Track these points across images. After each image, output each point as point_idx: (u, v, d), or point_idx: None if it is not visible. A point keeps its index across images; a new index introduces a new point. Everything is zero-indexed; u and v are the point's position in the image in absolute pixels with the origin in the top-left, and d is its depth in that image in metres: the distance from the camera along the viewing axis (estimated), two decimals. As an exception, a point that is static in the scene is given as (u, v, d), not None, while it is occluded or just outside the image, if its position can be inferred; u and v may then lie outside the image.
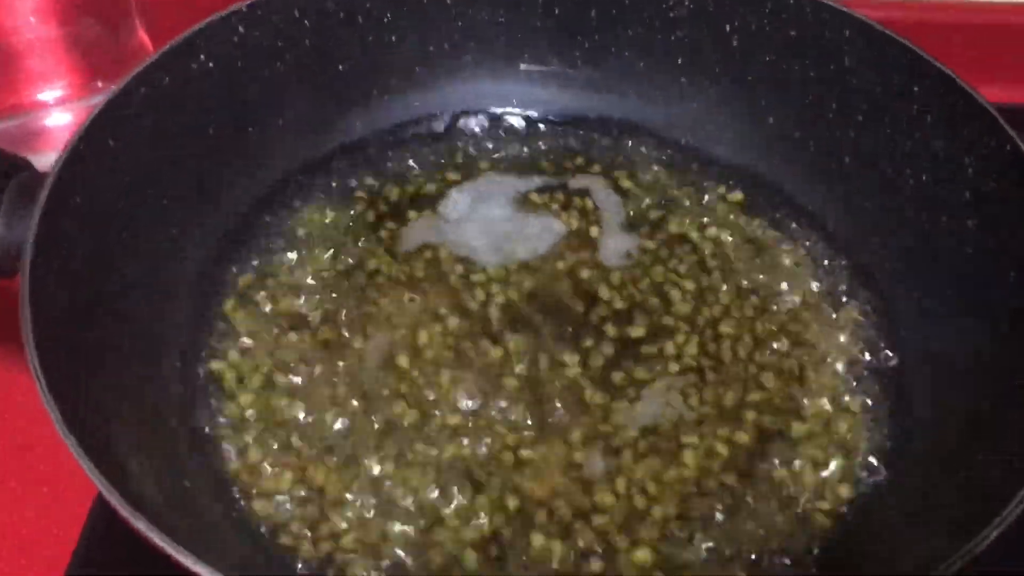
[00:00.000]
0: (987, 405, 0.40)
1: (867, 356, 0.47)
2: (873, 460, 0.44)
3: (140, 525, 0.31)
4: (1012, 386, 0.40)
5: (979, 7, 0.69)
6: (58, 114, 0.65)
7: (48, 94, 0.64)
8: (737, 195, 0.53)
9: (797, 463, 0.43)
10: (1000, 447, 0.37)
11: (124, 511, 0.31)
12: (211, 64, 0.49)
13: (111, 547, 0.45)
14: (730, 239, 0.51)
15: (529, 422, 0.44)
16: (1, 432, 0.50)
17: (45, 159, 0.44)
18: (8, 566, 0.46)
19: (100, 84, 0.66)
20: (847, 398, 0.45)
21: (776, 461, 0.43)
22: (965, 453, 0.40)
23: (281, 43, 0.51)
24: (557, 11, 0.56)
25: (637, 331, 0.48)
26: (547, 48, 0.57)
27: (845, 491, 0.42)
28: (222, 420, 0.44)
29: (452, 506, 0.41)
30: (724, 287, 0.49)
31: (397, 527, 0.41)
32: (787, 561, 0.40)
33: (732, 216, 0.52)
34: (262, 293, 0.48)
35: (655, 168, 0.55)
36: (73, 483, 0.47)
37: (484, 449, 0.43)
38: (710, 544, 0.41)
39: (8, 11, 0.60)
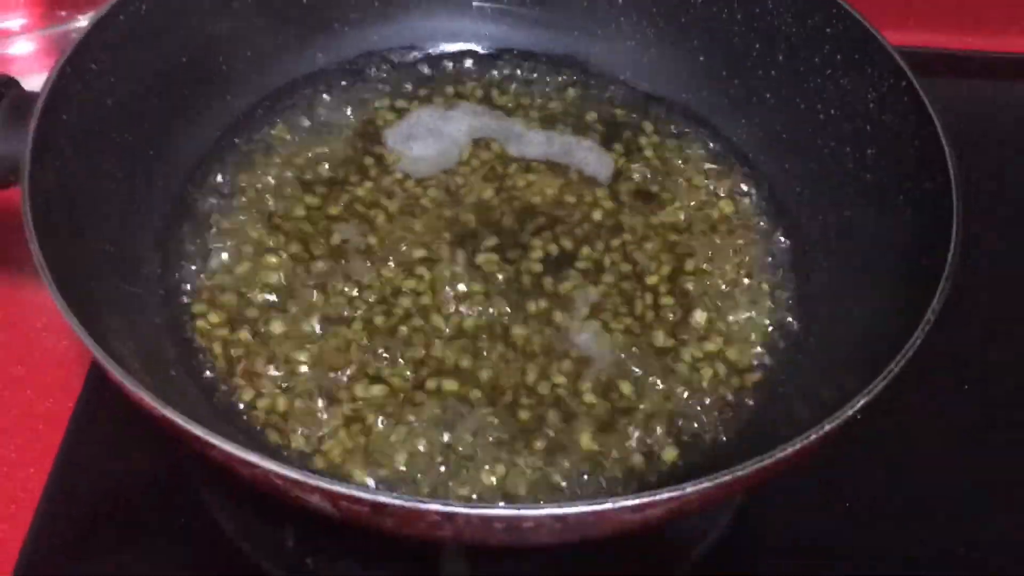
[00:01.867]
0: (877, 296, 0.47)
1: (774, 270, 0.53)
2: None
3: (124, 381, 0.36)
4: (896, 280, 0.46)
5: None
6: (21, 42, 0.69)
7: (11, 22, 0.68)
8: (668, 127, 0.59)
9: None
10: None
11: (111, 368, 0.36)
12: (183, -5, 0.52)
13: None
14: (658, 164, 0.57)
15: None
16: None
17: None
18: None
19: (63, 14, 0.69)
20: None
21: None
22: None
23: (248, -24, 0.55)
24: (508, -48, 0.60)
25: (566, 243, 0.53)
26: (499, -14, 0.61)
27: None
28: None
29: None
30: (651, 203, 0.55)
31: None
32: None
33: (661, 144, 0.58)
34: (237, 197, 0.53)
35: (596, 100, 0.60)
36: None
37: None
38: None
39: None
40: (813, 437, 0.36)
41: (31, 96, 0.45)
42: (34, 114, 0.43)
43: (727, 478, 0.34)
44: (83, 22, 0.70)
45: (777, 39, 0.55)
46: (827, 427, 0.36)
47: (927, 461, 0.53)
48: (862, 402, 0.36)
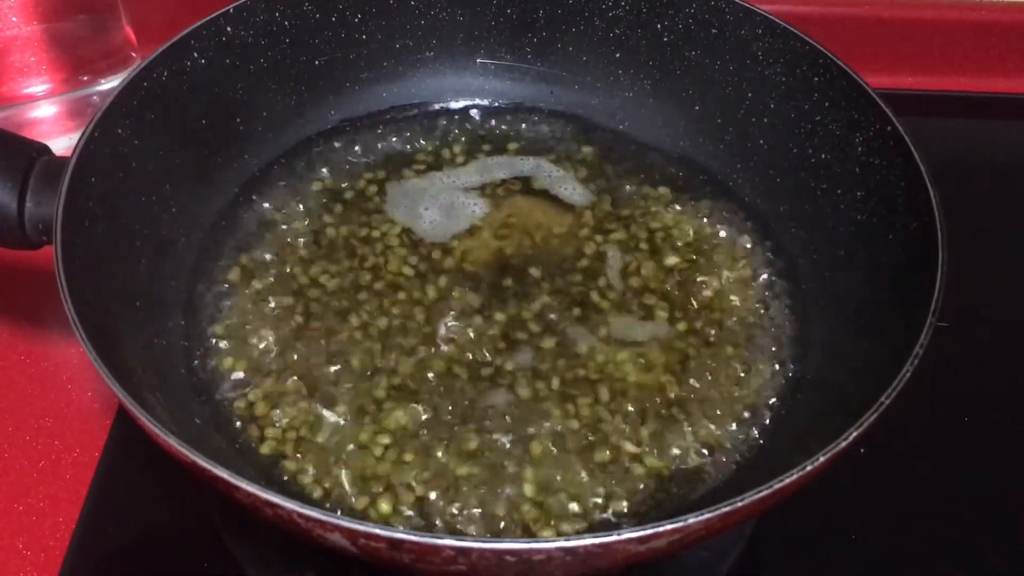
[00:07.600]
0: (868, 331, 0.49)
1: (771, 308, 0.54)
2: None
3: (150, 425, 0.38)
4: (886, 316, 0.48)
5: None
6: (45, 106, 0.72)
7: (35, 88, 0.71)
8: (667, 173, 0.61)
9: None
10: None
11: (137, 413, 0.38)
12: (203, 61, 0.55)
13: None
14: (660, 210, 0.59)
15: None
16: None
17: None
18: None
19: (85, 78, 0.72)
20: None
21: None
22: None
23: (264, 41, 0.58)
24: (509, 11, 0.63)
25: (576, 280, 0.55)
26: (501, 44, 0.64)
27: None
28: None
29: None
30: (651, 250, 0.57)
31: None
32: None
33: (661, 190, 0.60)
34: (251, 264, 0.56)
35: (595, 150, 0.62)
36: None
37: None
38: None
39: (-8, 12, 0.66)
40: (809, 468, 0.37)
41: (61, 161, 0.47)
42: (64, 178, 0.46)
43: (728, 509, 0.36)
44: (104, 86, 0.73)
45: (768, 88, 0.58)
46: (820, 458, 0.37)
47: (945, 503, 0.55)
48: (855, 434, 0.38)
